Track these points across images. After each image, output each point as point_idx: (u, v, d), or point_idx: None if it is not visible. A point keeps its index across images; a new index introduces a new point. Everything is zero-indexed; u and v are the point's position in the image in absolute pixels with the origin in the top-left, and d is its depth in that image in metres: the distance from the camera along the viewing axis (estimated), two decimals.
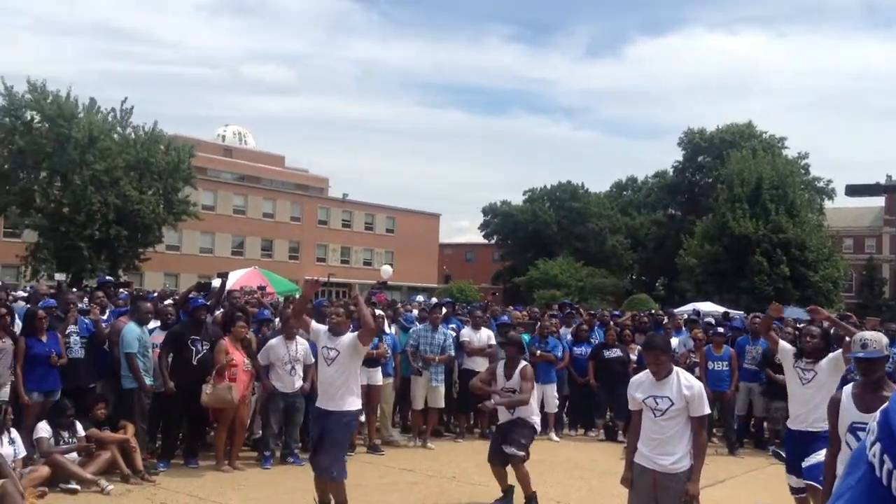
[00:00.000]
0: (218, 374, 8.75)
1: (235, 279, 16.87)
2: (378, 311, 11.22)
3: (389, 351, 10.59)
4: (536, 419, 7.89)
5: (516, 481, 7.57)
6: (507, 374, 7.71)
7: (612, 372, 11.99)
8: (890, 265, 60.58)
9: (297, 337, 9.50)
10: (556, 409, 12.06)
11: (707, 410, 5.35)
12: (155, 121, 36.72)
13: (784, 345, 6.84)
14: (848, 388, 4.72)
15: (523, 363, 7.82)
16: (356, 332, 7.05)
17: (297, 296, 19.49)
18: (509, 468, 7.62)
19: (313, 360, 9.55)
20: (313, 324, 7.20)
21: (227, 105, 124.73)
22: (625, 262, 67.33)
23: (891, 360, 10.44)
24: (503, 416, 7.73)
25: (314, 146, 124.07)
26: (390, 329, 11.45)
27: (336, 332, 7.03)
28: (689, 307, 29.64)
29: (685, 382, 5.21)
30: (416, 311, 13.62)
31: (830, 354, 6.45)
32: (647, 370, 5.38)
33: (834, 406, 4.69)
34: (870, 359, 4.56)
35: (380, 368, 10.41)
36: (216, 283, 10.56)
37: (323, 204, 63.48)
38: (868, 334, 4.76)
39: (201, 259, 51.22)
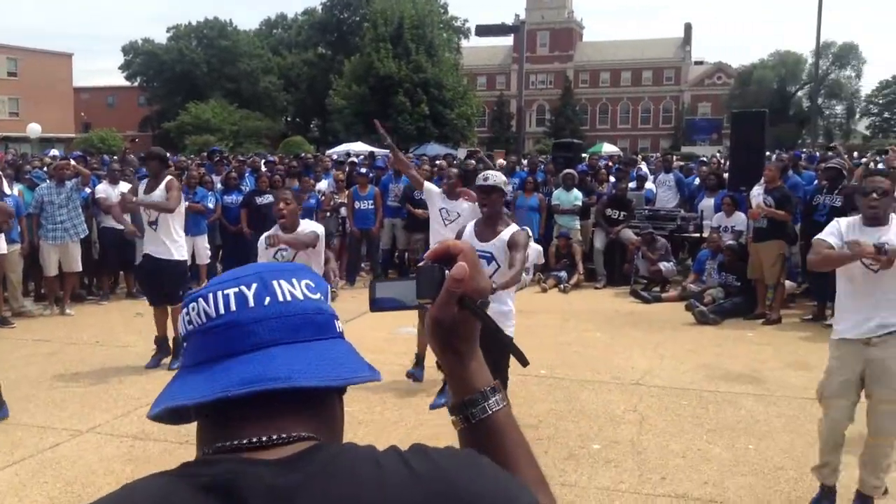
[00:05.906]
0: None
1: None
2: None
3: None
4: None
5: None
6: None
7: (265, 218, 11.96)
8: (515, 101, 66.96)
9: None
10: (209, 261, 11.84)
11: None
12: None
13: (430, 186, 7.32)
14: (471, 224, 5.25)
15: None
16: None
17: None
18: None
19: None
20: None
21: None
22: (279, 104, 66.39)
23: (511, 189, 11.78)
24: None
25: None
26: (12, 189, 10.20)
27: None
28: (342, 148, 30.50)
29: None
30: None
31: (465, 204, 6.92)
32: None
33: (458, 237, 5.18)
34: (485, 187, 5.06)
35: (2, 235, 9.25)
36: None
37: None
38: (490, 172, 5.32)
39: None
